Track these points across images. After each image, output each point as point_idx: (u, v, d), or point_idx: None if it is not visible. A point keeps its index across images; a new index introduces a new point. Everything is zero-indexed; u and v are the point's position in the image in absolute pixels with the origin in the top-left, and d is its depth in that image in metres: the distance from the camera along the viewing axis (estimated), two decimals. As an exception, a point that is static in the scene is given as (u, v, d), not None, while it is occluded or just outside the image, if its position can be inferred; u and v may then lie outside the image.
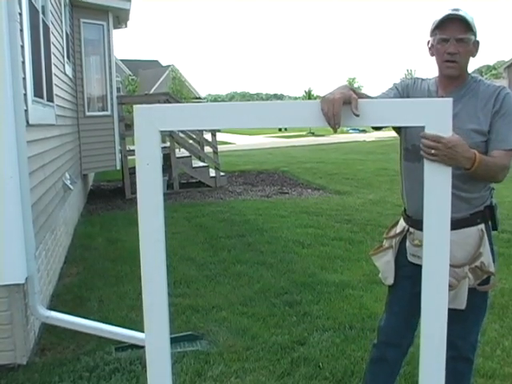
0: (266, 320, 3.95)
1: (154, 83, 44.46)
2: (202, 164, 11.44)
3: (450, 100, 1.68)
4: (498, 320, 3.86)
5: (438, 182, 1.69)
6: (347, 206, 8.71)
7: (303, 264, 5.39)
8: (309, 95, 48.09)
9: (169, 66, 47.19)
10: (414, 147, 2.19)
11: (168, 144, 10.86)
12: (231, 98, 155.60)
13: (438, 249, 1.70)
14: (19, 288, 3.37)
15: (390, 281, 2.37)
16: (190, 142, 11.80)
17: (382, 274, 2.41)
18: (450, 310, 2.29)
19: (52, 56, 5.82)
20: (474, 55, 2.14)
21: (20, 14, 3.74)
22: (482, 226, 2.21)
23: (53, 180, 5.16)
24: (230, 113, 1.73)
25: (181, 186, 10.79)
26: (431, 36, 2.16)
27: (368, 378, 2.57)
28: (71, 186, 6.18)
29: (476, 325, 2.32)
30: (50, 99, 5.45)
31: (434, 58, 2.18)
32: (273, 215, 8.02)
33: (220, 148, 12.06)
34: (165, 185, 9.97)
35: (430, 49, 2.19)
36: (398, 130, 2.31)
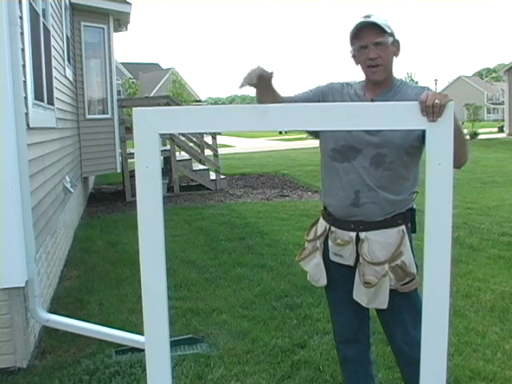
0: (267, 323, 3.94)
1: (154, 86, 44.55)
2: (202, 167, 11.45)
3: (451, 103, 1.69)
4: (498, 323, 3.85)
5: (439, 180, 1.68)
6: (347, 208, 8.69)
7: (303, 267, 5.38)
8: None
9: (169, 69, 47.29)
10: (342, 148, 2.19)
11: (168, 147, 10.87)
12: (231, 100, 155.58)
13: (439, 248, 1.70)
14: (19, 291, 3.37)
15: (323, 282, 2.34)
16: (191, 144, 11.82)
17: (313, 277, 2.38)
18: (386, 317, 2.30)
19: (53, 59, 5.83)
20: (396, 54, 2.19)
21: (21, 18, 3.75)
22: (403, 227, 2.21)
23: (53, 183, 5.17)
24: (230, 115, 1.74)
25: (181, 188, 10.79)
26: (351, 46, 2.20)
27: (345, 380, 2.55)
28: (71, 189, 6.19)
29: (415, 326, 2.19)
30: (51, 102, 5.46)
31: (359, 66, 2.21)
32: (273, 218, 8.02)
33: (220, 151, 12.07)
34: (165, 188, 9.98)
35: (353, 58, 2.22)
36: (316, 133, 2.31)
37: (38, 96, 4.56)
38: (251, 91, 1.99)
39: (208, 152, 11.74)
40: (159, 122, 1.71)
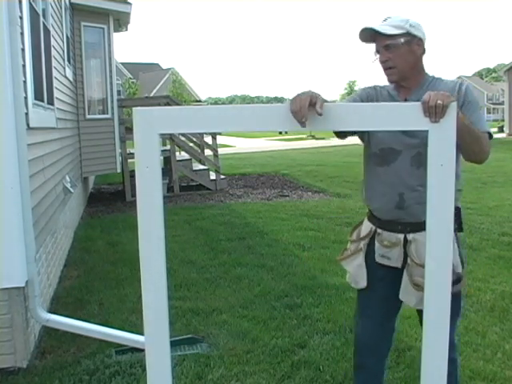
0: (267, 323, 3.94)
1: (154, 86, 44.56)
2: (202, 167, 11.45)
3: (454, 104, 1.69)
4: (498, 323, 3.85)
5: (441, 181, 1.68)
6: (347, 208, 8.71)
7: (303, 267, 5.38)
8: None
9: (169, 68, 47.31)
10: (382, 151, 2.21)
11: (168, 147, 10.87)
12: (231, 100, 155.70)
13: (441, 249, 1.70)
14: (19, 291, 3.37)
15: (363, 284, 2.34)
16: (191, 144, 11.82)
17: (354, 278, 2.39)
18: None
19: (52, 59, 5.83)
20: (418, 52, 2.18)
21: (21, 18, 3.75)
22: None
23: (53, 183, 5.16)
24: (230, 115, 1.74)
25: (181, 188, 10.79)
26: None
27: None
28: (71, 189, 6.18)
29: (452, 326, 2.29)
30: (51, 102, 5.45)
31: None
32: (273, 218, 8.02)
33: (220, 151, 12.06)
34: (165, 188, 9.97)
35: None
36: (361, 135, 2.31)
37: (38, 96, 4.56)
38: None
39: (208, 152, 11.73)
40: (159, 122, 1.70)
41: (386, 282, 2.29)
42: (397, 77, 2.18)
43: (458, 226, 2.26)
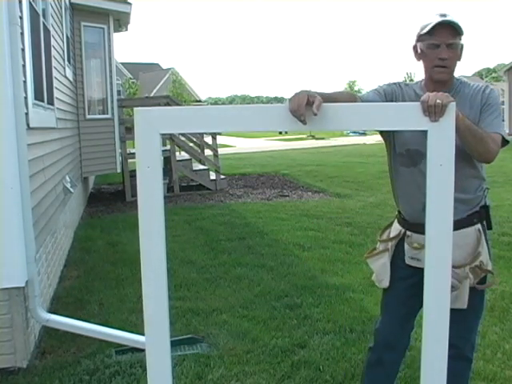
0: (267, 323, 3.94)
1: (154, 86, 44.55)
2: (202, 167, 11.45)
3: (453, 104, 1.69)
4: (498, 323, 3.85)
5: (440, 181, 1.68)
6: (347, 208, 8.71)
7: (303, 267, 5.38)
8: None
9: (169, 69, 47.31)
10: (408, 152, 2.22)
11: (168, 147, 10.87)
12: (231, 100, 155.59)
13: (440, 249, 1.70)
14: (19, 291, 3.37)
15: (386, 283, 2.37)
16: (191, 144, 11.82)
17: (377, 277, 2.42)
18: (450, 310, 2.31)
19: (52, 59, 5.83)
20: (459, 59, 2.20)
21: (21, 18, 3.75)
22: (479, 225, 2.23)
23: (53, 183, 5.17)
24: (230, 115, 1.74)
25: (181, 188, 10.79)
26: (419, 41, 2.18)
27: (366, 382, 2.55)
28: (71, 189, 6.19)
29: (475, 324, 2.34)
30: (51, 102, 5.46)
31: (420, 62, 2.21)
32: (273, 218, 8.02)
33: (220, 151, 12.06)
34: (165, 188, 9.97)
35: (417, 53, 2.22)
36: (386, 135, 2.31)
37: (38, 96, 4.56)
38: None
39: (208, 152, 11.73)
40: (160, 122, 1.70)
41: (411, 282, 2.30)
42: (447, 76, 2.17)
43: (488, 223, 2.28)
